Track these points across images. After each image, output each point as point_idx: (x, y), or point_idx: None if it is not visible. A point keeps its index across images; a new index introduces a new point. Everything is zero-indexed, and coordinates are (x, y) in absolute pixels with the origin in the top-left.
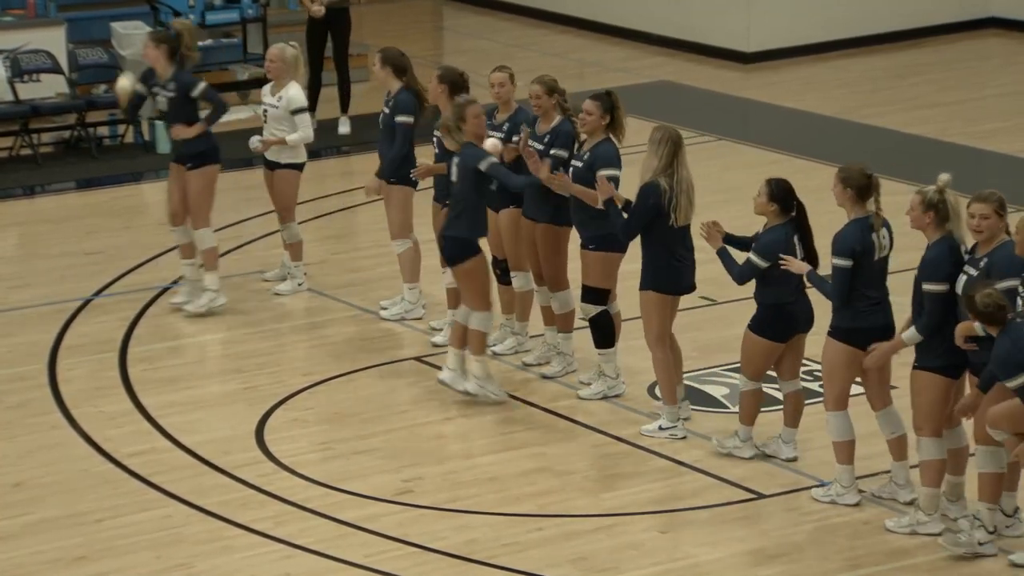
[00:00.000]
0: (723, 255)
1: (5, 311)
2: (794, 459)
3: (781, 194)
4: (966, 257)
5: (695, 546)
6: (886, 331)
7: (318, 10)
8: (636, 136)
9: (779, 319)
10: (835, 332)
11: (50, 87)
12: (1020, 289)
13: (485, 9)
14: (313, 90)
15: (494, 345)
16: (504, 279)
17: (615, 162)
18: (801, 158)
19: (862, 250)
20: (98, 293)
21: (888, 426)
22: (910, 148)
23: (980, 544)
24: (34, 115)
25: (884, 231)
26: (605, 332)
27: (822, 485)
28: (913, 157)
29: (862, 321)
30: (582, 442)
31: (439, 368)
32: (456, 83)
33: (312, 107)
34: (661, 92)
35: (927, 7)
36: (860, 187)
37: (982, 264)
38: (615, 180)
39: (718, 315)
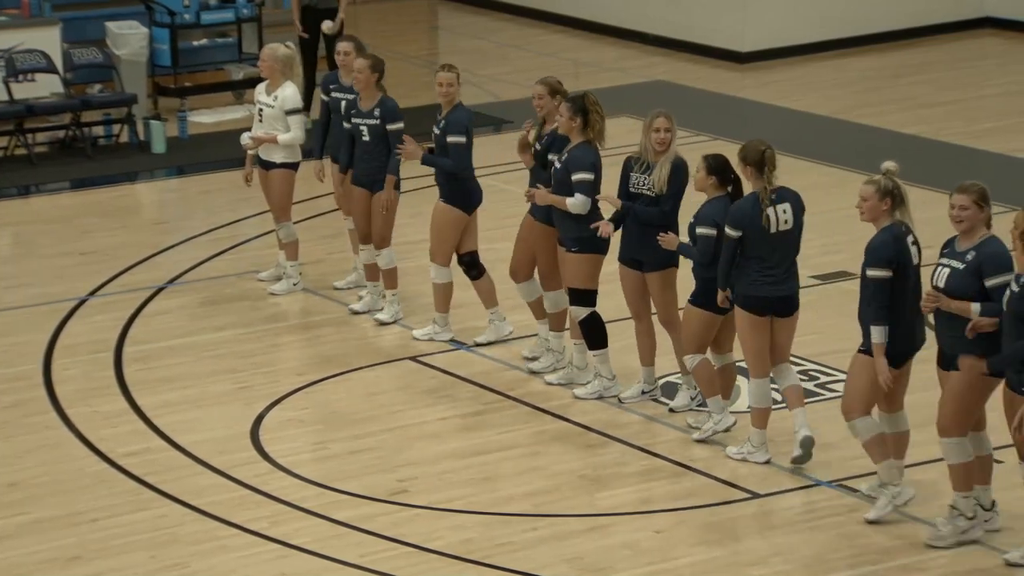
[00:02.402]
0: (683, 248)
1: (0, 311)
2: (733, 424)
3: (718, 167)
4: (944, 250)
5: (690, 546)
6: (783, 302)
7: (329, 27)
8: (632, 136)
9: (716, 290)
10: (736, 299)
11: (45, 87)
12: (1012, 285)
13: (481, 9)
14: (307, 90)
15: (413, 329)
16: (471, 273)
17: (588, 167)
18: (797, 158)
19: (750, 222)
20: (93, 293)
21: (783, 381)
22: (906, 148)
23: (963, 532)
24: (29, 115)
25: (784, 206)
26: (597, 333)
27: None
28: (909, 157)
29: (756, 290)
30: (577, 441)
31: (435, 368)
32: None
33: (307, 107)
34: (657, 92)
35: (922, 7)
36: (757, 163)
37: (968, 258)
38: (586, 184)
39: None
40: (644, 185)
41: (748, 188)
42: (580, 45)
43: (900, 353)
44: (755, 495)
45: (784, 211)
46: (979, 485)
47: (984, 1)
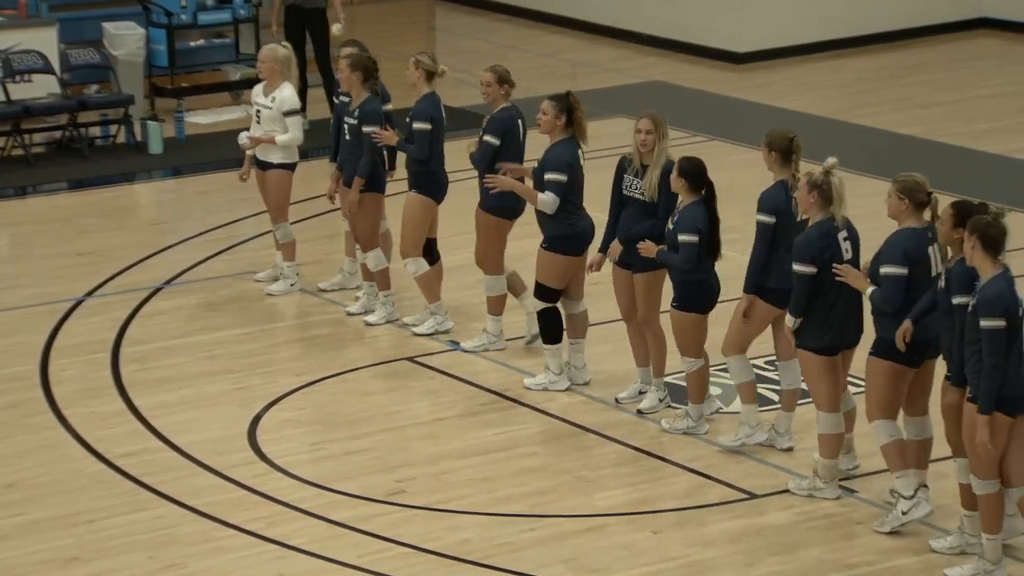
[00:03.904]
0: (663, 255)
1: None
2: (705, 432)
3: (691, 170)
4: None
5: (687, 546)
6: None
7: (338, 29)
8: (628, 137)
9: (700, 292)
10: (760, 291)
11: (42, 87)
12: (941, 281)
13: (478, 10)
14: (300, 91)
15: (415, 326)
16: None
17: (562, 167)
18: None
19: (785, 209)
20: (90, 294)
21: (787, 377)
22: (903, 148)
23: (904, 513)
24: (26, 115)
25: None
26: (553, 328)
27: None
28: (906, 157)
29: (785, 281)
30: (574, 442)
31: (432, 368)
32: (368, 69)
33: (302, 108)
34: (654, 92)
35: (920, 7)
36: (783, 150)
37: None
38: (557, 184)
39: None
40: (636, 189)
41: (750, 178)
42: (577, 45)
43: (830, 347)
44: (752, 495)
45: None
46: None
47: (981, 1)
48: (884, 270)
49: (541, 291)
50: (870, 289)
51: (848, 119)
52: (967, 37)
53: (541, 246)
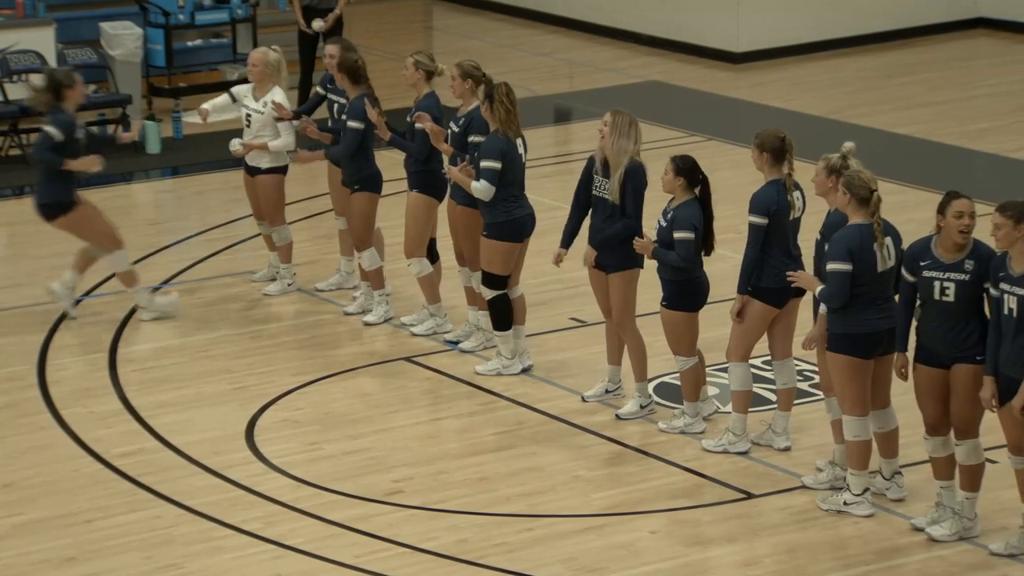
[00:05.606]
0: (658, 252)
1: None
2: (703, 431)
3: (687, 169)
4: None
5: (685, 546)
6: (800, 290)
7: (321, 26)
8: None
9: (691, 290)
10: (755, 292)
11: None
12: (958, 275)
13: (475, 9)
14: (304, 89)
15: (413, 326)
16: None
17: (495, 155)
18: None
19: (777, 209)
20: (88, 293)
21: (782, 376)
22: (900, 148)
23: (846, 504)
24: (23, 115)
25: (797, 193)
26: (502, 315)
27: (811, 480)
28: (903, 157)
29: (783, 281)
30: (572, 442)
31: (429, 368)
32: (353, 70)
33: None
34: (651, 92)
35: (916, 7)
36: (775, 150)
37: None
38: (489, 172)
39: (704, 316)
40: (604, 190)
41: (746, 178)
42: (575, 45)
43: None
44: (749, 495)
45: (797, 198)
46: (885, 458)
47: (978, 1)
48: (829, 267)
49: (487, 279)
50: (819, 288)
51: (845, 119)
52: (964, 37)
53: (482, 234)
